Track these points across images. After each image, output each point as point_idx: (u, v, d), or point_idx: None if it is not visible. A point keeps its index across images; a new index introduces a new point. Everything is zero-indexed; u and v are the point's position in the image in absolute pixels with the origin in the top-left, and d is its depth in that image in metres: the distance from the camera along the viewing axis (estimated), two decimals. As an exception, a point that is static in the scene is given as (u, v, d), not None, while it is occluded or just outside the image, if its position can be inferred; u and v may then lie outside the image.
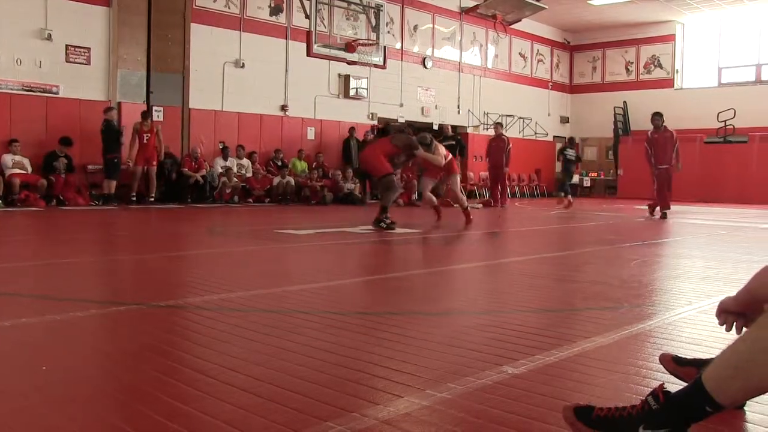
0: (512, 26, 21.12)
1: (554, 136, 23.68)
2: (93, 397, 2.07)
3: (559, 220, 11.27)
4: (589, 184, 23.35)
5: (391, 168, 8.56)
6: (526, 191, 21.91)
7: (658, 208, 11.96)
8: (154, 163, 12.69)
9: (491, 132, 16.40)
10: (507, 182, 16.20)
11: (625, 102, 22.94)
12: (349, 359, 2.45)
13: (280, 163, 14.86)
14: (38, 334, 2.82)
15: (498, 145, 15.44)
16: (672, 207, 12.18)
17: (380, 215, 8.30)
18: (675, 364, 2.16)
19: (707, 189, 19.49)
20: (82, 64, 12.59)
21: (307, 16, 14.03)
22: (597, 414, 1.71)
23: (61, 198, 11.58)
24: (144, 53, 13.24)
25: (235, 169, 13.96)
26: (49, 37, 12.10)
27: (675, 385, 1.92)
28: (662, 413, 1.64)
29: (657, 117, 11.94)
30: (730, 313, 1.85)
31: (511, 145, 15.53)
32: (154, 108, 13.41)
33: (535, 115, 22.66)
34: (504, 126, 18.78)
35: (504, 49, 21.71)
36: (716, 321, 1.91)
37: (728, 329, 1.86)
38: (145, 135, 12.54)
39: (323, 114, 16.38)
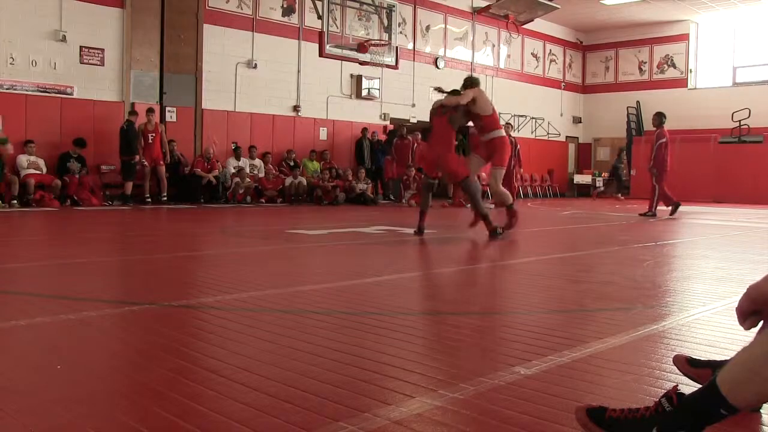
0: (524, 26, 21.05)
1: (567, 137, 23.59)
2: (106, 396, 2.08)
3: (570, 221, 11.22)
4: (601, 185, 23.21)
5: (467, 170, 7.55)
6: (538, 191, 21.84)
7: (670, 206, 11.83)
8: (162, 162, 12.75)
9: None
10: (515, 183, 16.15)
11: (638, 102, 22.81)
12: (362, 359, 2.46)
13: (292, 164, 14.90)
14: (52, 334, 2.84)
15: None
16: (686, 207, 12.08)
17: (489, 227, 7.38)
18: (689, 365, 2.15)
19: (722, 189, 19.34)
20: (96, 65, 12.68)
21: (320, 17, 14.05)
22: (610, 415, 1.71)
23: (75, 198, 11.67)
24: (157, 54, 13.32)
25: (247, 170, 14.01)
26: (64, 39, 12.20)
27: (689, 386, 1.91)
28: (676, 415, 1.63)
29: (654, 116, 11.85)
30: (748, 313, 1.83)
31: (519, 147, 15.51)
32: (167, 108, 13.49)
33: (547, 115, 22.59)
34: (517, 126, 18.73)
35: (516, 49, 21.64)
36: (730, 322, 1.90)
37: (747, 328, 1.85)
38: (149, 135, 12.59)
39: (335, 114, 16.41)
